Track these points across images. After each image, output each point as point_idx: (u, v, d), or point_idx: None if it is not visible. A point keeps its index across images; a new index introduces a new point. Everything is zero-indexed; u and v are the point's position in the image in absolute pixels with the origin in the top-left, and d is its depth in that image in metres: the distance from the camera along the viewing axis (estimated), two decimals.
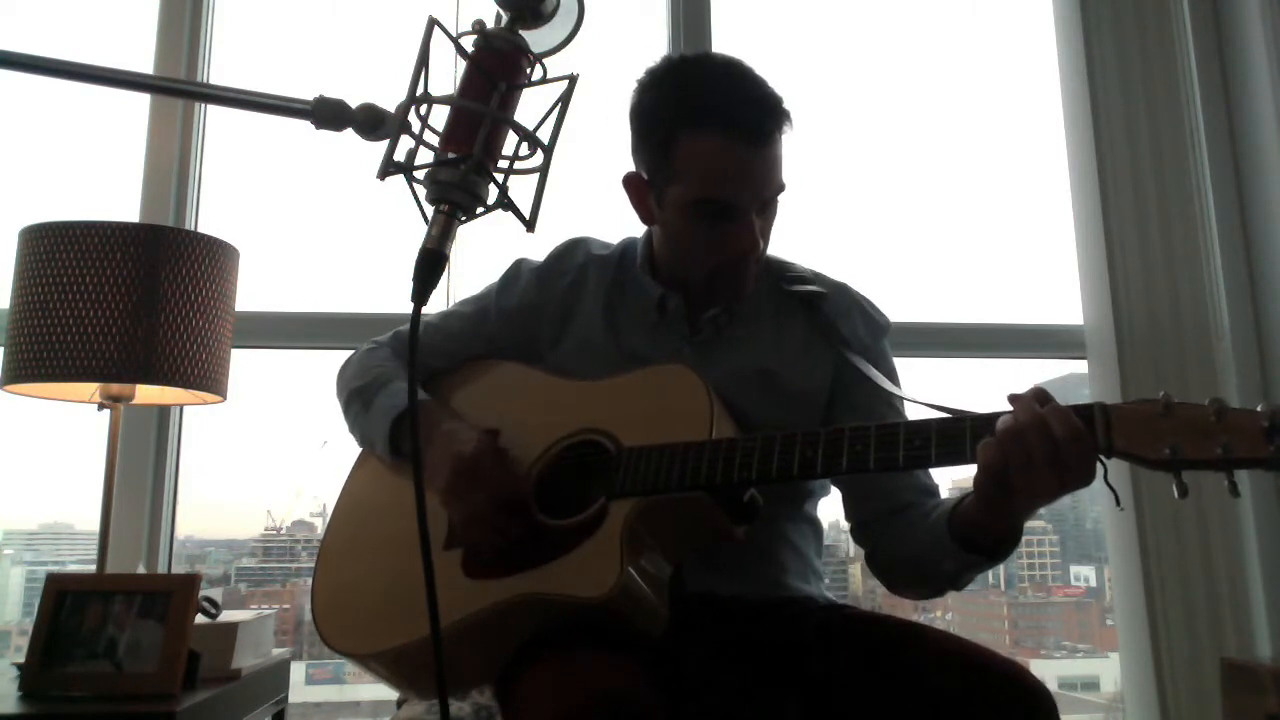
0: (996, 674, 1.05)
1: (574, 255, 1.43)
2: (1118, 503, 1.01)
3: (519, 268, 1.46)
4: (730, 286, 1.31)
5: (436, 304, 1.49)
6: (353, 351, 1.49)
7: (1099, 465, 0.96)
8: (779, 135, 1.23)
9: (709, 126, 1.21)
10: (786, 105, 1.24)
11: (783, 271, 1.39)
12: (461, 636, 1.13)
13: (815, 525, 1.39)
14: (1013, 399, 0.99)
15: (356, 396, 1.40)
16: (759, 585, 1.28)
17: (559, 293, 1.40)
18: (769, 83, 1.25)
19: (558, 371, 1.35)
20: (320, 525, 2.55)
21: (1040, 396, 0.98)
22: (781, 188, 1.27)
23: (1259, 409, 0.90)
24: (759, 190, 1.24)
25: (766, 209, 1.28)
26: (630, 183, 1.33)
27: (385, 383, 1.38)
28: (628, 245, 1.44)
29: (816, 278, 1.40)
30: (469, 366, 1.43)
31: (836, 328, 1.33)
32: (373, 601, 1.25)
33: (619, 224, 1.46)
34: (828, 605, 1.31)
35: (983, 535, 1.09)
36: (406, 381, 1.33)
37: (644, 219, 1.36)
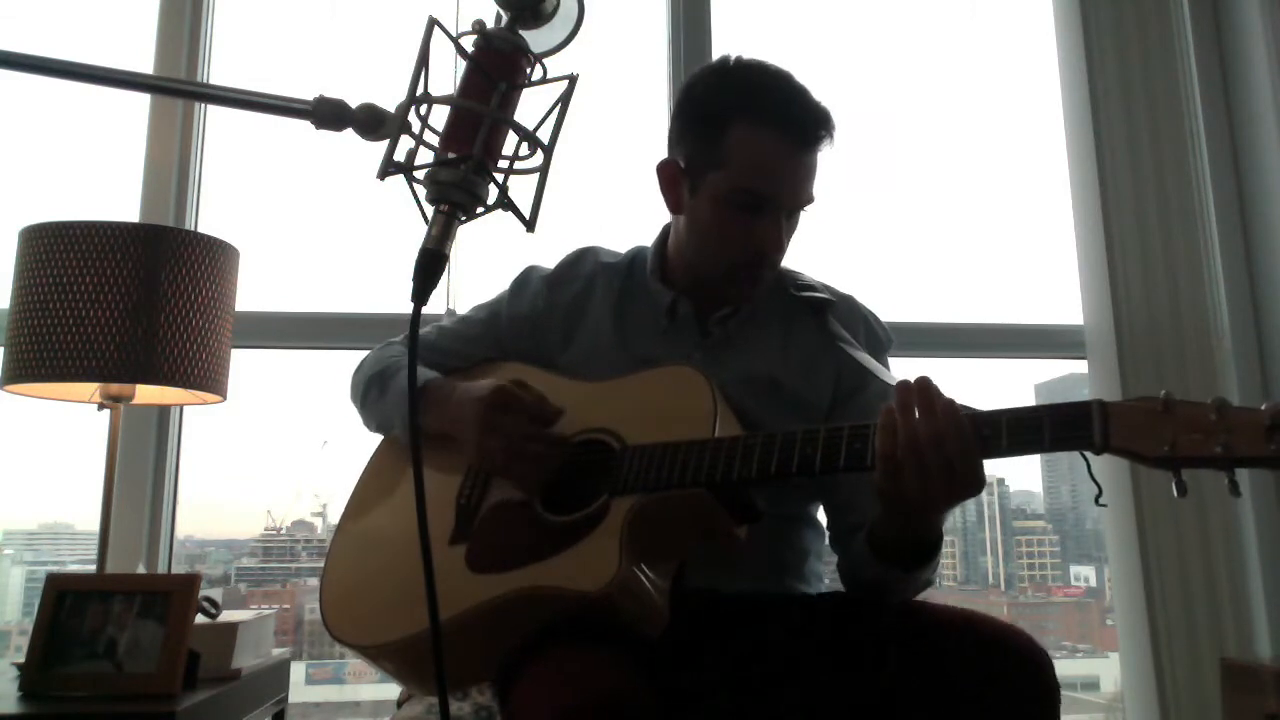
0: (998, 641, 1.09)
1: (583, 264, 1.45)
2: (1098, 498, 1.02)
3: (529, 275, 1.48)
4: (741, 286, 1.33)
5: (436, 304, 1.49)
6: (367, 352, 1.51)
7: (1082, 460, 0.99)
8: (824, 145, 1.28)
9: (767, 119, 1.25)
10: (834, 120, 1.28)
11: (792, 279, 1.41)
12: (463, 630, 1.13)
13: (818, 527, 1.39)
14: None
15: (375, 381, 1.42)
16: (761, 584, 1.29)
17: (567, 300, 1.42)
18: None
19: (565, 374, 1.35)
20: (320, 525, 2.55)
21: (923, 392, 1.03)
22: (811, 199, 1.30)
23: (1261, 407, 0.89)
24: (795, 191, 1.28)
25: (793, 216, 1.31)
26: (664, 169, 1.35)
27: (402, 368, 1.40)
28: (637, 254, 1.45)
29: (825, 288, 1.42)
30: (479, 369, 1.44)
31: (841, 335, 1.35)
32: (380, 595, 1.26)
33: (619, 224, 1.46)
34: (823, 595, 1.33)
35: (891, 544, 1.15)
36: (425, 368, 1.36)
37: (671, 207, 1.37)
